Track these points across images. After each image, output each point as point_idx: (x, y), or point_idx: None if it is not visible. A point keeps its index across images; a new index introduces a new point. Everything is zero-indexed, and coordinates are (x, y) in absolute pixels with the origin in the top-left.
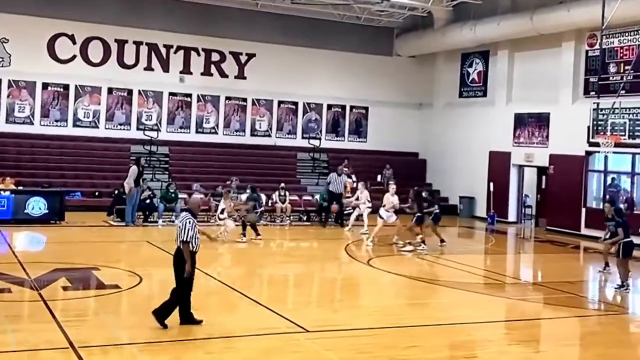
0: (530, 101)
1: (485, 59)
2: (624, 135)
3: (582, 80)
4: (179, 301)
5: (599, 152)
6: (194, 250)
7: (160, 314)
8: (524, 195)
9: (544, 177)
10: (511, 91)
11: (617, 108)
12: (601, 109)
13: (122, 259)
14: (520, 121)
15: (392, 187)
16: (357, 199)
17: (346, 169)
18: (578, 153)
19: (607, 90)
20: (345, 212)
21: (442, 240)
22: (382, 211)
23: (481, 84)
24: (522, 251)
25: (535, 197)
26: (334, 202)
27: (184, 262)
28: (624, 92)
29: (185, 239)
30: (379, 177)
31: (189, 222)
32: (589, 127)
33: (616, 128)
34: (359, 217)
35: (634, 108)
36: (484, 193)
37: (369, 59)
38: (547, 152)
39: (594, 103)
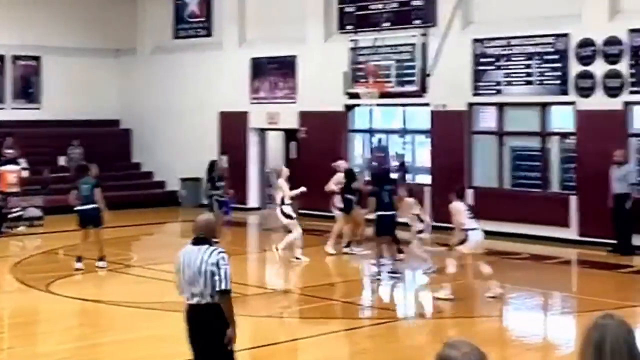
0: (271, 41)
1: None
2: (391, 81)
3: (335, 10)
4: None
5: (360, 105)
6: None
7: None
8: (268, 169)
9: (293, 144)
10: (245, 28)
11: (380, 46)
12: (360, 49)
13: None
14: (259, 69)
15: None
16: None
17: (9, 151)
18: (335, 108)
19: (368, 23)
20: (10, 214)
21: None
22: None
23: (204, 19)
24: (267, 248)
25: None
26: None
27: (223, 326)
28: (388, 24)
29: (225, 287)
30: (62, 160)
31: (224, 259)
32: (346, 74)
33: (380, 73)
34: None
35: (402, 45)
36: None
37: None
38: (296, 109)
39: (351, 40)
